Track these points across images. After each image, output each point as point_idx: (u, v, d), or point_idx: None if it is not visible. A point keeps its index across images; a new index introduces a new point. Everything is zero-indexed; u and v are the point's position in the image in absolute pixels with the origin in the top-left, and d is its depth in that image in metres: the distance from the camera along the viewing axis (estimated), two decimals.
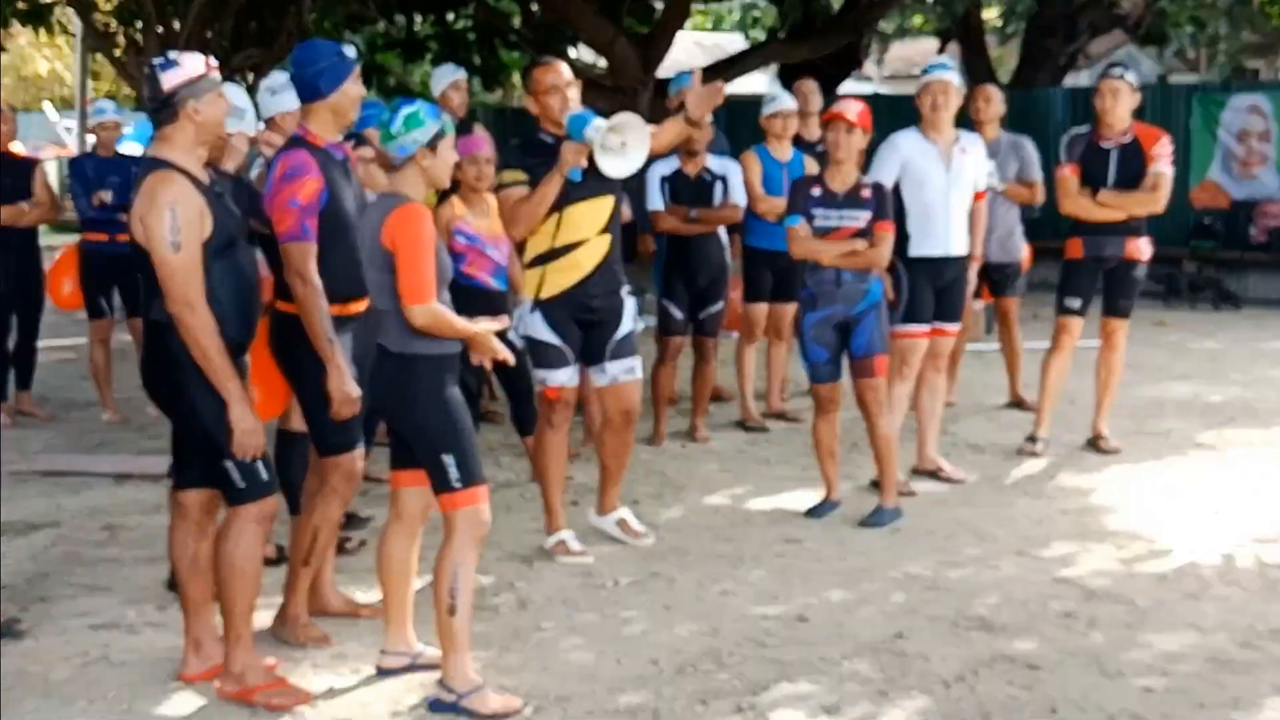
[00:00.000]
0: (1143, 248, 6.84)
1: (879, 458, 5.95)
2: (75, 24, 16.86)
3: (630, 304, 5.43)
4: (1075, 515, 5.99)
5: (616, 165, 5.03)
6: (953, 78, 6.32)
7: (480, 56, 14.27)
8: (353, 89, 4.36)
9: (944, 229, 6.23)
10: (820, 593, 5.01)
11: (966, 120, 7.16)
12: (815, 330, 5.82)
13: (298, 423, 4.76)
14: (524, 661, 4.37)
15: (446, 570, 3.96)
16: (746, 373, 7.72)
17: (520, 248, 5.56)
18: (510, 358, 4.20)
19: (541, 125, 5.34)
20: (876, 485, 6.10)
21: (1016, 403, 8.15)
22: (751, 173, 7.36)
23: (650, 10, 14.20)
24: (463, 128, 7.66)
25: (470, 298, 5.50)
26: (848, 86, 17.05)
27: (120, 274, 7.87)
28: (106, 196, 7.75)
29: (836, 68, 15.66)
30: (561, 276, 5.27)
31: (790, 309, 7.53)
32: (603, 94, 12.02)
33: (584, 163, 5.07)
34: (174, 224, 3.76)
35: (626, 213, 5.93)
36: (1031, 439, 7.06)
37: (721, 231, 7.38)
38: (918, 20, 22.23)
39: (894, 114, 10.28)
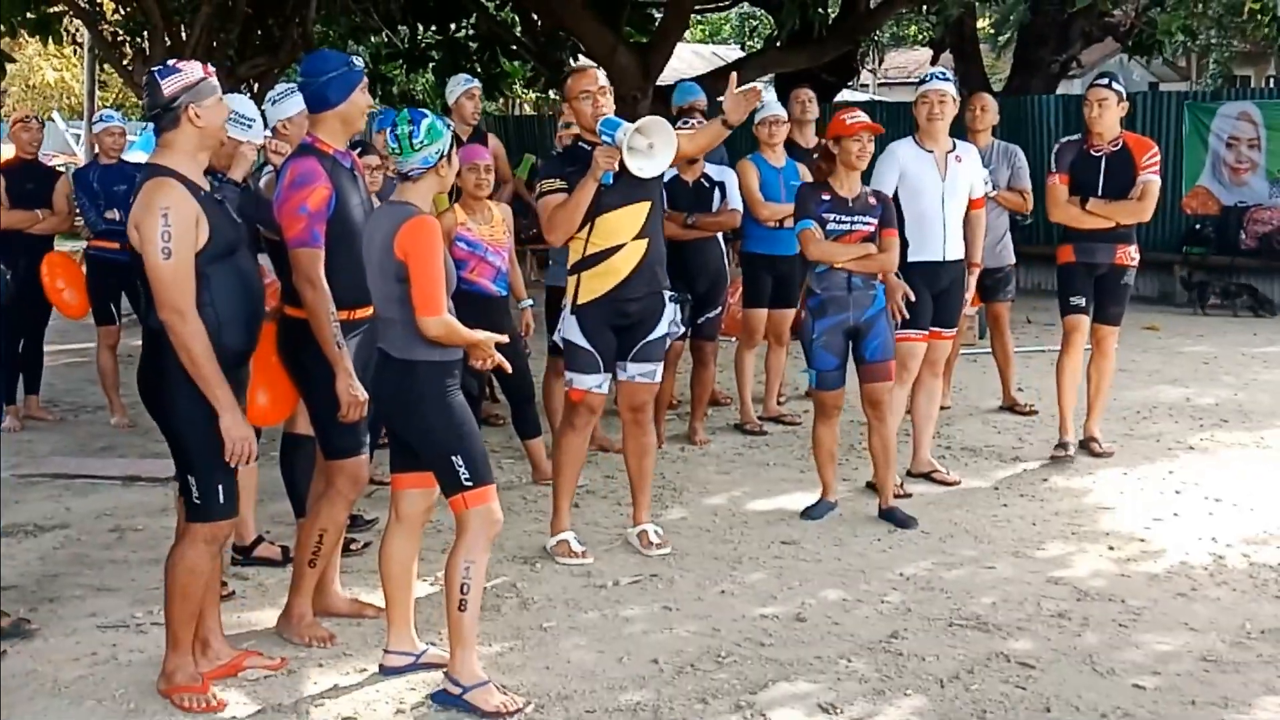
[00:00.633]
0: (1132, 254, 6.91)
1: (886, 461, 6.00)
2: (83, 34, 16.95)
3: (670, 309, 5.45)
4: (1069, 517, 6.05)
5: (645, 166, 5.11)
6: (949, 88, 6.40)
7: (482, 66, 14.31)
8: (361, 98, 4.43)
9: (940, 235, 6.30)
10: (818, 593, 5.06)
11: (961, 128, 7.23)
12: (826, 337, 5.84)
13: (303, 426, 4.82)
14: (526, 660, 4.42)
15: (458, 567, 4.01)
16: (746, 377, 7.78)
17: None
18: (508, 366, 4.27)
19: (580, 134, 5.39)
20: (872, 487, 6.17)
21: (1010, 406, 8.22)
22: (749, 180, 7.41)
23: (650, 19, 14.24)
24: (477, 136, 7.77)
25: (472, 303, 5.54)
26: (844, 95, 17.11)
27: (127, 281, 7.92)
28: (117, 216, 7.83)
29: (834, 76, 15.72)
30: (597, 282, 5.29)
31: (789, 314, 7.60)
32: None
33: (615, 166, 5.13)
34: (166, 231, 3.75)
35: None
36: (1061, 445, 7.03)
37: (719, 237, 7.44)
38: (912, 30, 22.30)
39: (889, 121, 10.37)
